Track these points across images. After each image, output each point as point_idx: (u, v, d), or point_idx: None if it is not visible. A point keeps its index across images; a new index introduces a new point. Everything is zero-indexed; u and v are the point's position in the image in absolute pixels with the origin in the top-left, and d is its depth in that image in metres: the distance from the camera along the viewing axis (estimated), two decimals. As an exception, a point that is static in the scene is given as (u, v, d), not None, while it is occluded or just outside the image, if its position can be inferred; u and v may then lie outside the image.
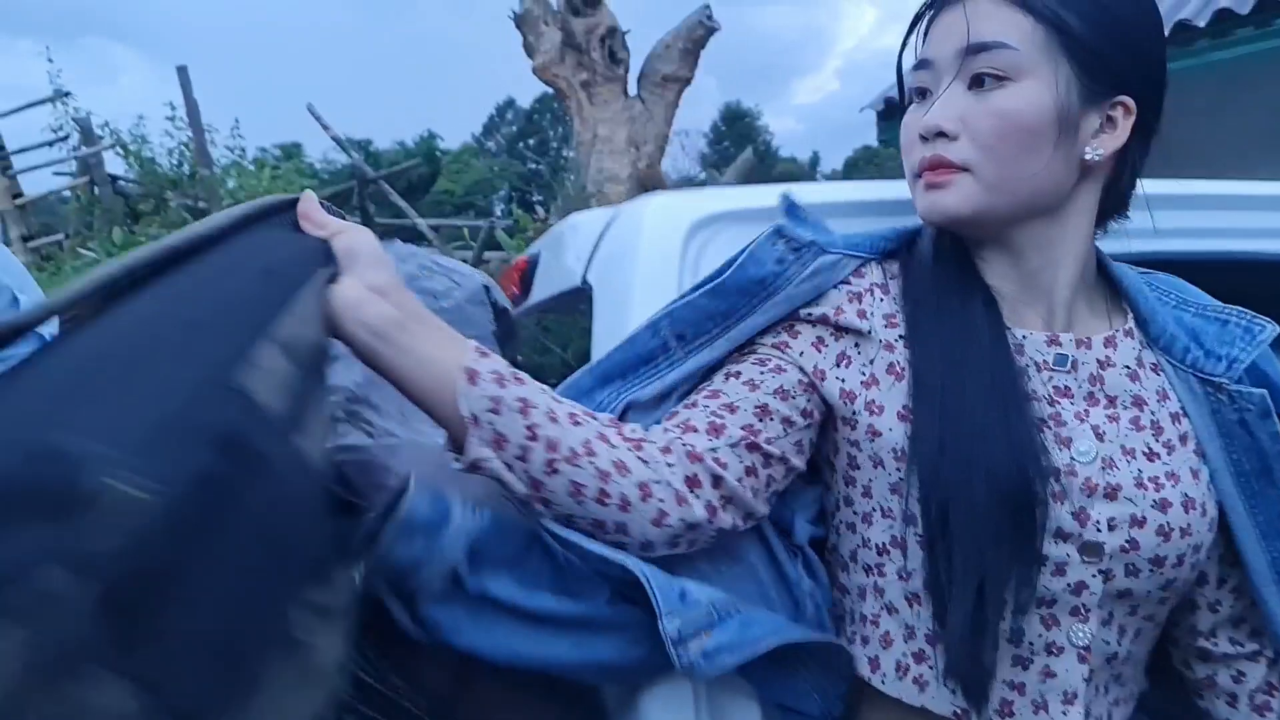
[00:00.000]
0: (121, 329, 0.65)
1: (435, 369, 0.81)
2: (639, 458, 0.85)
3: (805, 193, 1.06)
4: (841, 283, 0.98)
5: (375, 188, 6.07)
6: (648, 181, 6.24)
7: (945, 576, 0.86)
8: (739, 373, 0.94)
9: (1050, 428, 0.90)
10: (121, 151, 7.74)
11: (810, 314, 0.96)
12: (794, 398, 0.93)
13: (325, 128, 6.29)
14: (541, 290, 1.72)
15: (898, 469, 0.90)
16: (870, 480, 0.93)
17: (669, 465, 0.86)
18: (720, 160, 40.87)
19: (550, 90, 6.58)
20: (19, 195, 8.29)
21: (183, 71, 7.27)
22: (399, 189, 6.36)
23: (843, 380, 0.94)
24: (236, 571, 0.56)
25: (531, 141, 51.27)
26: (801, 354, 0.95)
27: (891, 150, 5.36)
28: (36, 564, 0.46)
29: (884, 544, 0.93)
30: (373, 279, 0.81)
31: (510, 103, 51.50)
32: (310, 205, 0.86)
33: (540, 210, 6.36)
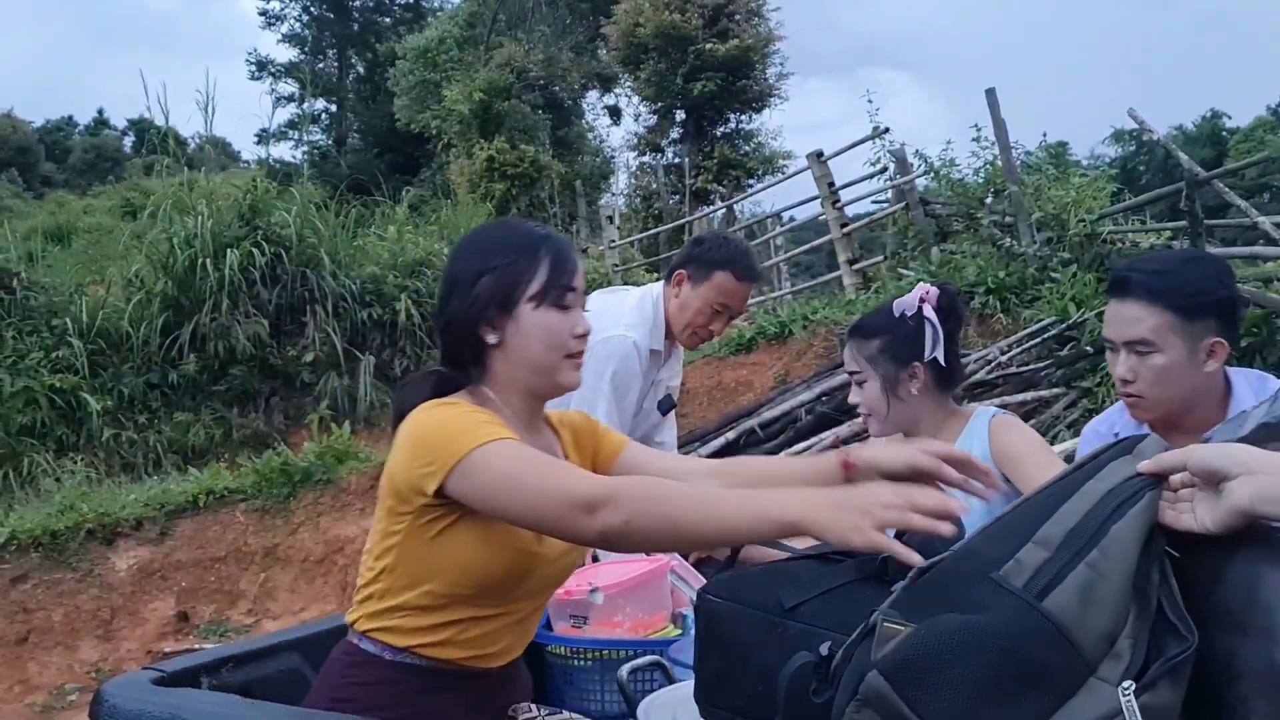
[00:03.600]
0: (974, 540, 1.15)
1: None
2: None
3: None
4: None
5: (1208, 188, 5.68)
6: None
7: None
8: None
9: None
10: (934, 176, 8.32)
11: None
12: None
13: (1147, 130, 6.08)
14: None
15: None
16: None
17: None
18: None
19: None
20: (845, 224, 9.41)
21: (990, 94, 7.58)
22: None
23: None
24: (967, 670, 0.99)
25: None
26: None
27: None
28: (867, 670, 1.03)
29: None
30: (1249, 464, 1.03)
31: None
32: (1149, 465, 1.11)
33: None
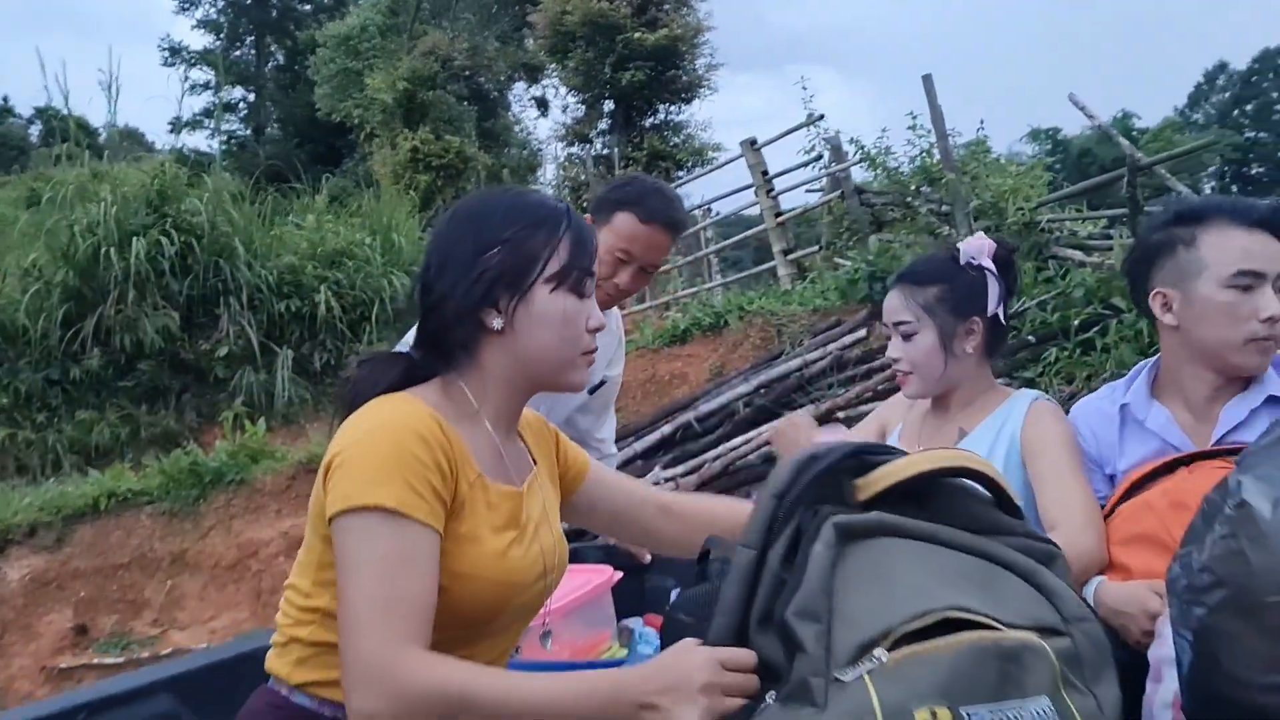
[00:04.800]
0: None
1: None
2: None
3: None
4: None
5: (1147, 175, 5.62)
6: None
7: None
8: None
9: None
10: (869, 164, 8.18)
11: None
12: None
13: (1090, 116, 6.00)
14: None
15: None
16: None
17: None
18: None
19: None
20: (780, 214, 9.25)
21: (927, 80, 7.45)
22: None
23: None
24: None
25: (1249, 107, 45.07)
26: None
27: None
28: None
29: None
30: None
31: (1222, 67, 45.87)
32: None
33: None
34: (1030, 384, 6.03)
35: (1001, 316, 2.00)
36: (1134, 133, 39.82)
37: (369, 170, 20.14)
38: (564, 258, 1.33)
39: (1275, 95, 43.63)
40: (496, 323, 1.31)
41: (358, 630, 1.12)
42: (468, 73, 21.01)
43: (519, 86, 23.88)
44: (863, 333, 6.72)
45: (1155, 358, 2.01)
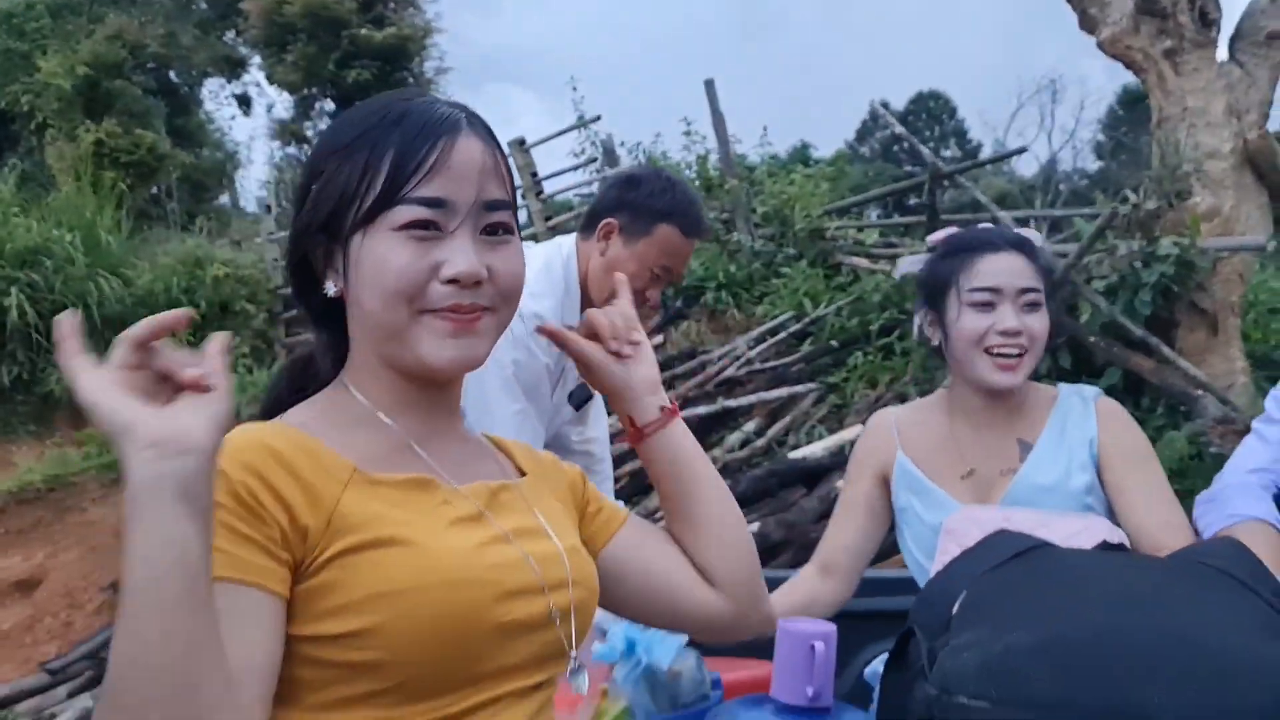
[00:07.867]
0: None
1: None
2: None
3: None
4: None
5: (949, 183, 5.84)
6: (1258, 155, 5.49)
7: None
8: None
9: None
10: (649, 166, 8.04)
11: None
12: None
13: (889, 126, 6.14)
14: None
15: None
16: None
17: None
18: None
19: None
20: (550, 218, 8.92)
21: (709, 85, 7.42)
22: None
23: None
24: None
25: (906, 145, 50.15)
26: None
27: None
28: None
29: None
30: None
31: (884, 106, 50.66)
32: None
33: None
34: (834, 388, 6.08)
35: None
36: (813, 162, 43.07)
37: (43, 163, 17.87)
38: (381, 185, 0.94)
39: (928, 134, 48.61)
40: (332, 287, 0.99)
41: None
42: (152, 65, 19.12)
43: (214, 82, 22.02)
44: (659, 339, 6.56)
45: None
